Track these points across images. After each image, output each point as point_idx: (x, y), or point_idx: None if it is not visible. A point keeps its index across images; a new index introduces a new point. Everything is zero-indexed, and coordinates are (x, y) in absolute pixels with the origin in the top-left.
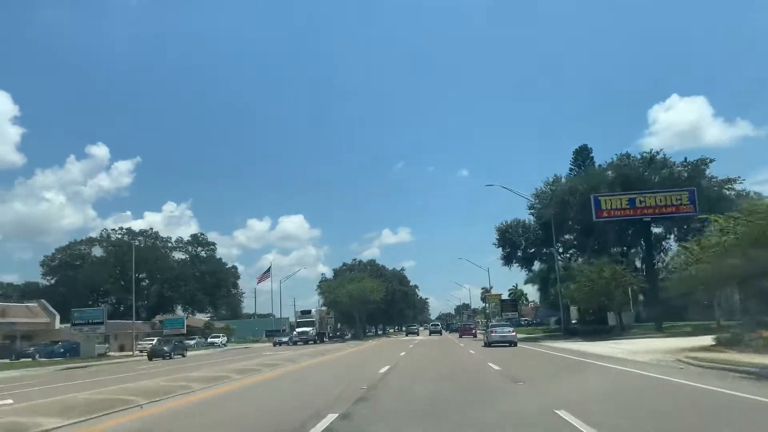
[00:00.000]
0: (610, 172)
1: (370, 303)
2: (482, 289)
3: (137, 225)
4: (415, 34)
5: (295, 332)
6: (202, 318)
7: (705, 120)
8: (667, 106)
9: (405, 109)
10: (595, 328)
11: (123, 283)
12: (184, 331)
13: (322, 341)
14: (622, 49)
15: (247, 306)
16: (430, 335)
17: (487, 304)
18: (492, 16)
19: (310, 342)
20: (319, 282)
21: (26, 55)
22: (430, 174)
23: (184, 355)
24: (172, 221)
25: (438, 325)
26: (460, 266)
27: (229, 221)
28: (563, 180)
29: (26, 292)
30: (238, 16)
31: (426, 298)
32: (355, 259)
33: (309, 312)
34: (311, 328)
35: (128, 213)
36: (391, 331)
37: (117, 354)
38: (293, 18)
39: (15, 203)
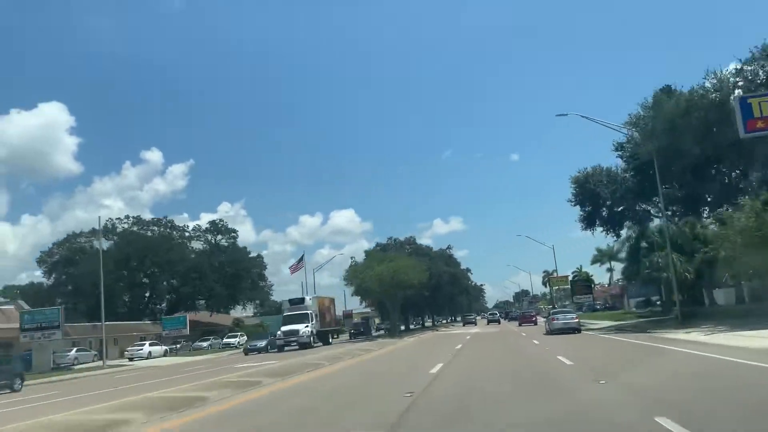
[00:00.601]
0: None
1: (408, 288)
2: (544, 272)
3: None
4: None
5: (279, 332)
6: (233, 315)
7: None
8: None
9: (450, 95)
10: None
11: (130, 278)
12: (187, 331)
13: (326, 342)
14: None
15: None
16: (487, 324)
17: (551, 289)
18: None
19: (304, 345)
20: (348, 267)
21: (77, 66)
22: (478, 160)
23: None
24: (228, 221)
25: (495, 313)
26: (515, 253)
27: (282, 218)
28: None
29: (28, 292)
30: (279, 15)
31: (481, 285)
32: (391, 238)
33: (302, 301)
34: (305, 325)
35: (185, 215)
36: (444, 322)
37: (93, 365)
38: (331, 15)
39: (76, 211)
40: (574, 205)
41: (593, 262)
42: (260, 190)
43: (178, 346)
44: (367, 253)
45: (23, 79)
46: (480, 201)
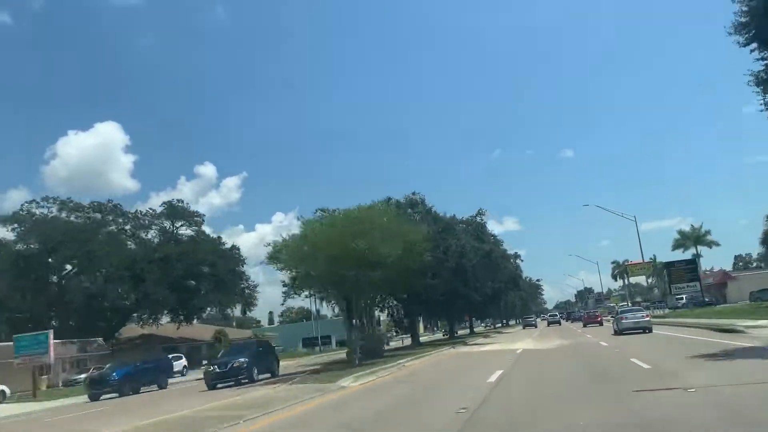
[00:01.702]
0: None
1: (385, 266)
2: (613, 263)
3: (247, 239)
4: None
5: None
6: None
7: None
8: None
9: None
10: None
11: (37, 281)
12: (49, 356)
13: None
14: None
15: None
16: (548, 326)
17: (627, 280)
18: None
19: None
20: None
21: (129, 85)
22: (528, 158)
23: None
24: (282, 231)
25: (556, 314)
26: (574, 251)
27: None
28: None
29: None
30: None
31: (538, 280)
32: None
33: None
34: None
35: (240, 227)
36: (484, 327)
37: None
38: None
39: None
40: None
41: (675, 247)
42: (311, 197)
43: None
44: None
45: (79, 100)
46: (535, 201)
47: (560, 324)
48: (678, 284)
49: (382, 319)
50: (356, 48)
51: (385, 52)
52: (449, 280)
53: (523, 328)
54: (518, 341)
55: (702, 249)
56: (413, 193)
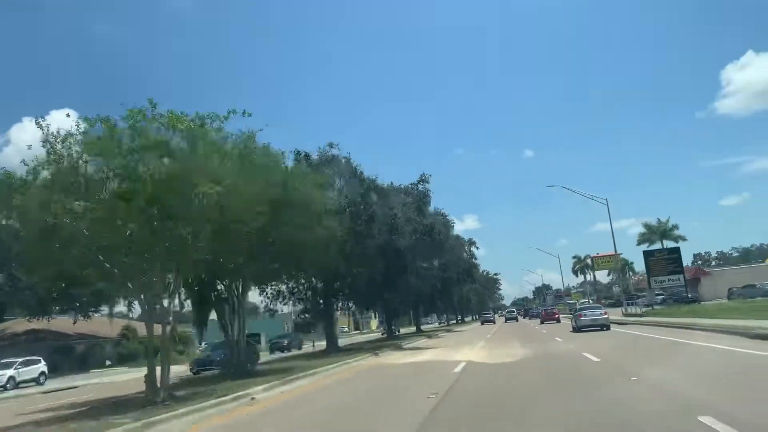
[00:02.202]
0: None
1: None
2: (574, 258)
3: None
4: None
5: None
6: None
7: None
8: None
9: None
10: None
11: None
12: None
13: None
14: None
15: None
16: (505, 321)
17: (587, 276)
18: None
19: None
20: None
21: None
22: (492, 157)
23: None
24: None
25: (513, 311)
26: (534, 251)
27: None
28: None
29: None
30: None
31: (496, 274)
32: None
33: None
34: None
35: None
36: (438, 324)
37: None
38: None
39: None
40: None
41: (640, 242)
42: None
43: None
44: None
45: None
46: (495, 199)
47: (517, 320)
48: (658, 277)
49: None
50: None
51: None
52: (375, 261)
53: (482, 324)
54: (466, 346)
55: (668, 244)
56: (330, 145)
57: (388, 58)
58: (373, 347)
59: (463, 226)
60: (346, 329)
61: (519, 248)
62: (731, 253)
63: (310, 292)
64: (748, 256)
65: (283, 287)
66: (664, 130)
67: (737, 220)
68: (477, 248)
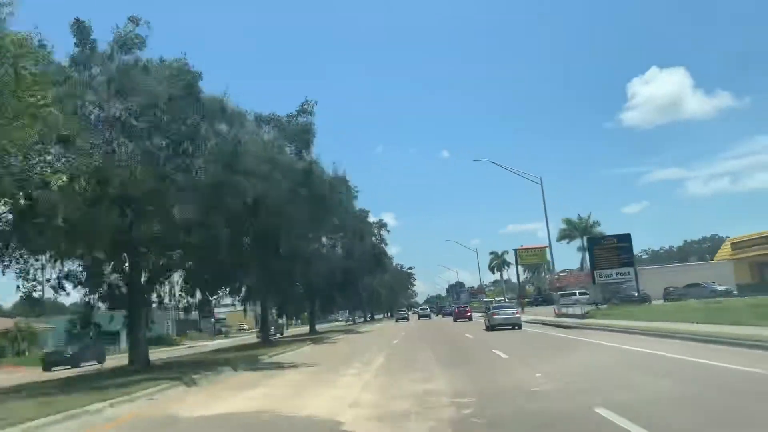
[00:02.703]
0: None
1: None
2: (491, 254)
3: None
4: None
5: None
6: None
7: (685, 92)
8: (646, 78)
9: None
10: None
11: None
12: None
13: None
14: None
15: None
16: (419, 319)
17: (507, 272)
18: None
19: None
20: None
21: None
22: (411, 156)
23: None
24: None
25: (426, 309)
26: (448, 250)
27: None
28: None
29: None
30: None
31: (410, 268)
32: None
33: None
34: None
35: None
36: (345, 321)
37: None
38: None
39: None
40: None
41: (560, 238)
42: None
43: None
44: None
45: None
46: (412, 197)
47: (430, 318)
48: (606, 270)
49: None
50: None
51: None
52: (213, 221)
53: (396, 322)
54: (357, 363)
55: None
56: (133, 21)
57: (313, 52)
58: (204, 364)
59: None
60: (246, 327)
61: (434, 247)
62: (640, 255)
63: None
64: (656, 259)
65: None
66: (575, 138)
67: (638, 226)
68: (388, 231)
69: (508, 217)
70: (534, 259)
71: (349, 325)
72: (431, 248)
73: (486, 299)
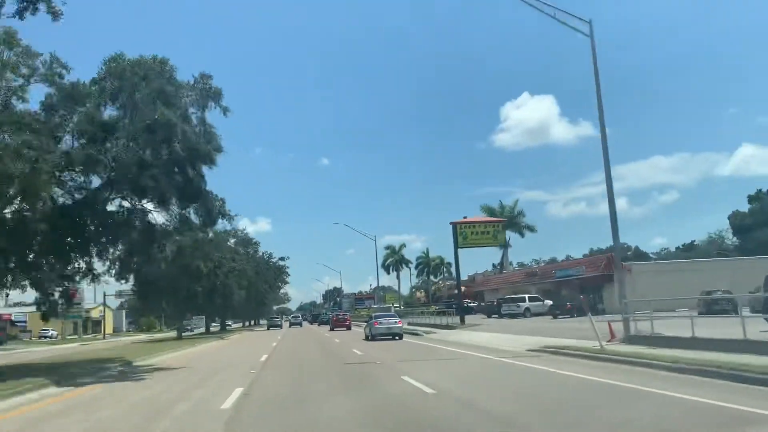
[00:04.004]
0: None
1: None
2: (387, 249)
3: None
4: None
5: None
6: None
7: (552, 119)
8: (518, 103)
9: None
10: None
11: None
12: None
13: None
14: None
15: None
16: (290, 326)
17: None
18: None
19: None
20: None
21: None
22: (289, 161)
23: None
24: None
25: (298, 316)
26: (323, 260)
27: None
28: None
29: None
30: None
31: (283, 259)
32: None
33: None
34: None
35: None
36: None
37: None
38: None
39: None
40: None
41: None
42: None
43: None
44: None
45: None
46: (289, 204)
47: (301, 326)
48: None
49: None
50: None
51: None
52: None
53: (268, 329)
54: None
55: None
56: None
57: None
58: None
59: (255, 227)
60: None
61: (307, 256)
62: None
63: None
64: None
65: None
66: (448, 157)
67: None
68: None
69: (384, 228)
70: (484, 240)
71: (192, 337)
72: (305, 257)
73: (384, 305)
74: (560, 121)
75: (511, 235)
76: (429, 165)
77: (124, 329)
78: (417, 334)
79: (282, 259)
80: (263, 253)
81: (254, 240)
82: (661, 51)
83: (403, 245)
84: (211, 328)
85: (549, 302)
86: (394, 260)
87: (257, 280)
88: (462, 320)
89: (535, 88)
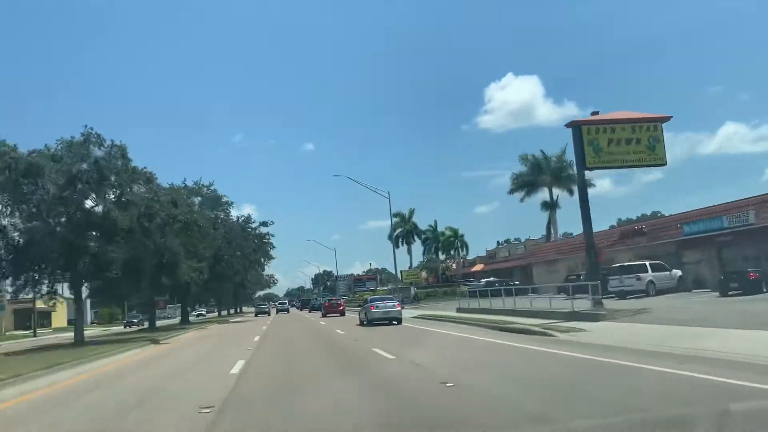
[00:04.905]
0: None
1: None
2: (395, 216)
3: None
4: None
5: None
6: None
7: (537, 100)
8: (502, 84)
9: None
10: None
11: None
12: None
13: None
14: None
15: None
16: (277, 313)
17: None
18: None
19: None
20: None
21: None
22: (271, 147)
23: None
24: None
25: (285, 303)
26: (311, 246)
27: None
28: None
29: None
30: None
31: (267, 233)
32: None
33: None
34: None
35: None
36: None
37: None
38: None
39: None
40: None
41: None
42: None
43: None
44: None
45: None
46: (274, 190)
47: (288, 312)
48: None
49: None
50: None
51: None
52: None
53: (256, 316)
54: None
55: None
56: None
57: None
58: None
59: (241, 212)
60: None
61: (295, 242)
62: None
63: None
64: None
65: None
66: (434, 139)
67: (490, 224)
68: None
69: (368, 213)
70: (633, 154)
71: (171, 328)
72: (292, 244)
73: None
74: (545, 102)
75: (558, 193)
76: (411, 149)
77: (89, 321)
78: (548, 335)
79: (264, 224)
80: (238, 218)
81: (226, 198)
82: (642, 30)
83: (412, 210)
84: (189, 318)
85: (677, 272)
86: (404, 230)
87: (228, 249)
88: (598, 304)
89: (519, 69)
